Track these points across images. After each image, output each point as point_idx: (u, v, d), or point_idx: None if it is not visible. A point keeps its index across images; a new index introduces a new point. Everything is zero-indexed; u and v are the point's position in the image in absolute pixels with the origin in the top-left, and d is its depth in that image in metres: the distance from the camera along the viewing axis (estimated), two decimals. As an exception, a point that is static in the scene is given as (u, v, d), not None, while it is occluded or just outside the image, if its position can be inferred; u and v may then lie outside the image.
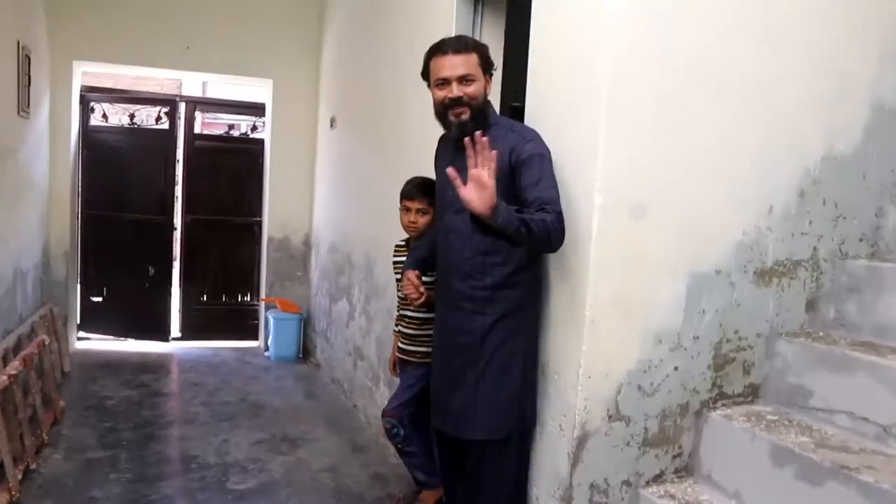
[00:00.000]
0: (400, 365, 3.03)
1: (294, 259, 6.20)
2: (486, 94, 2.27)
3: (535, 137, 2.22)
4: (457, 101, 2.22)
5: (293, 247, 6.18)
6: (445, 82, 2.23)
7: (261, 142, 6.37)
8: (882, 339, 2.31)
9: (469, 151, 1.99)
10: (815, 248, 2.47)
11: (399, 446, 2.91)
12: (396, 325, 3.07)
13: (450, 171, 2.01)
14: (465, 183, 1.99)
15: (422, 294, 2.49)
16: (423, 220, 2.83)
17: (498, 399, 2.26)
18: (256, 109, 6.42)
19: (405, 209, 2.87)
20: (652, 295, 2.22)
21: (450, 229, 2.32)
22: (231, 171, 6.39)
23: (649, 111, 2.13)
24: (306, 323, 5.97)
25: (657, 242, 2.20)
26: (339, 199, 5.23)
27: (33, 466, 3.30)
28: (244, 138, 6.64)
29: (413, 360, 2.91)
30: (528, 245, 2.09)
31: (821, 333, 2.44)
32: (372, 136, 4.42)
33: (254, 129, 6.59)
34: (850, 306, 2.44)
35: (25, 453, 3.27)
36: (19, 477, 3.06)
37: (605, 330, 2.16)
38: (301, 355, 5.87)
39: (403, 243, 3.04)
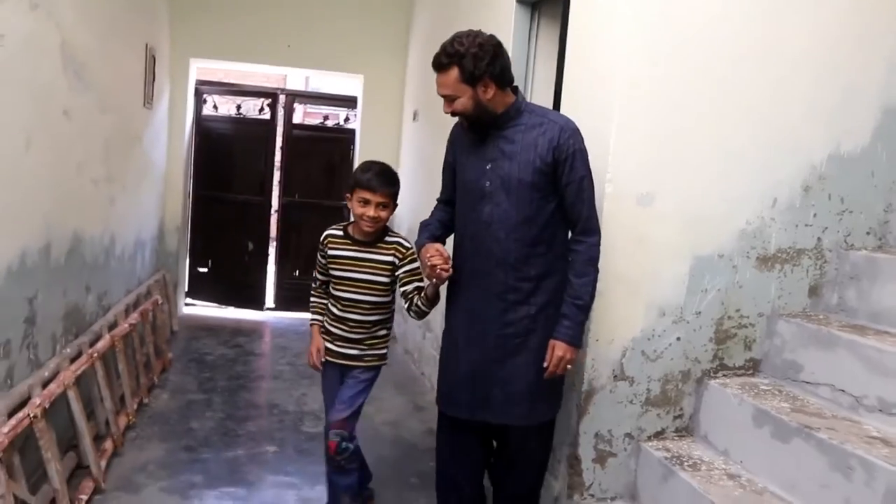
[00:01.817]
0: (333, 369, 2.70)
1: (378, 240, 6.71)
2: (480, 104, 2.20)
3: (573, 130, 2.23)
4: (451, 114, 2.28)
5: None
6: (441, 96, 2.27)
7: (352, 131, 6.90)
8: (874, 322, 2.54)
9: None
10: (819, 239, 2.71)
11: (342, 463, 2.62)
12: (328, 326, 2.69)
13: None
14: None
15: (450, 269, 2.26)
16: (384, 215, 2.52)
17: (548, 384, 2.33)
18: (349, 102, 6.96)
19: (363, 202, 2.48)
20: (657, 273, 2.55)
21: (492, 220, 2.27)
22: (325, 157, 6.97)
23: (658, 118, 2.47)
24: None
25: (663, 227, 2.52)
26: (417, 186, 5.68)
27: (146, 401, 3.94)
28: (337, 128, 7.20)
29: (358, 364, 2.65)
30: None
31: (820, 316, 2.69)
32: (445, 130, 4.83)
33: (346, 119, 7.14)
34: (851, 293, 2.67)
35: (140, 390, 3.91)
36: (135, 407, 3.69)
37: (612, 301, 2.50)
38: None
39: (341, 232, 2.64)
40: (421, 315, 2.54)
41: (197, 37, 5.97)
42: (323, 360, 2.70)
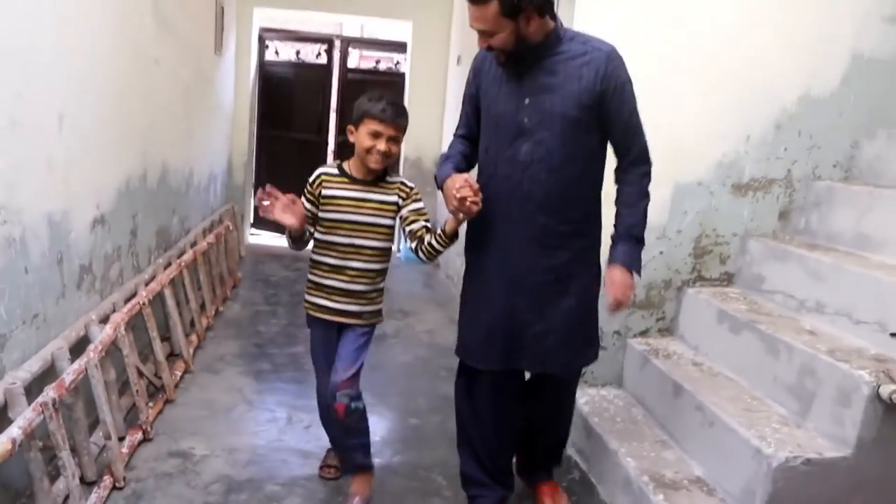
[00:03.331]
0: (326, 327, 2.43)
1: (425, 176, 7.22)
2: (522, 37, 2.02)
3: (619, 58, 2.11)
4: (487, 49, 2.10)
5: (424, 166, 7.22)
6: (475, 30, 2.05)
7: (402, 75, 7.39)
8: (829, 242, 2.97)
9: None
10: (789, 171, 3.13)
11: (353, 424, 2.42)
12: (320, 280, 2.40)
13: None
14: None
15: (480, 202, 2.06)
16: (395, 151, 2.31)
17: (589, 328, 2.35)
18: (400, 47, 7.44)
19: (373, 134, 2.25)
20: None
21: (531, 159, 2.12)
22: (377, 99, 7.49)
23: (646, 60, 2.87)
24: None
25: (649, 158, 2.98)
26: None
27: (221, 309, 4.64)
28: (388, 71, 7.69)
29: (357, 321, 2.40)
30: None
31: (787, 237, 3.13)
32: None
33: (397, 63, 7.62)
34: (814, 217, 3.10)
35: (216, 300, 4.61)
36: (213, 313, 4.40)
37: (604, 220, 2.97)
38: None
39: (336, 171, 2.39)
40: (432, 256, 2.33)
41: (260, -14, 6.52)
42: (315, 317, 2.43)
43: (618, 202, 2.25)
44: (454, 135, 2.44)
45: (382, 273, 2.44)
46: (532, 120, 2.11)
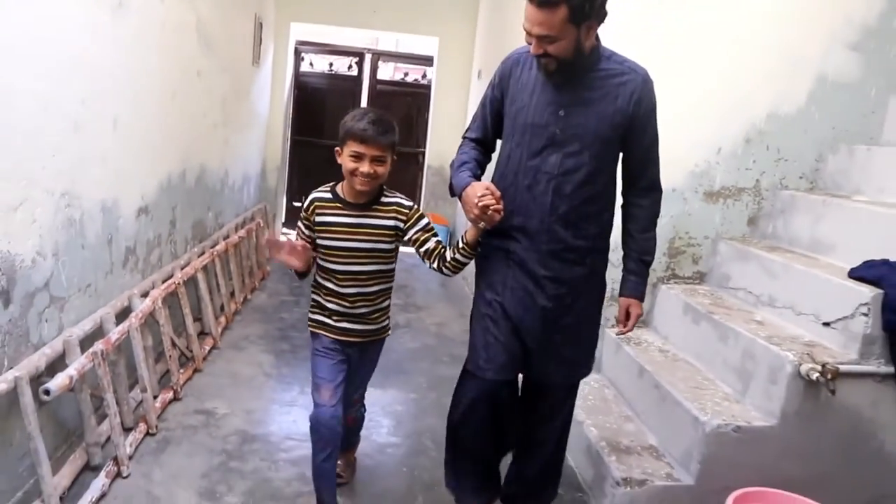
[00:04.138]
0: (336, 347, 2.36)
1: (447, 183, 7.64)
2: (580, 47, 1.99)
3: (651, 81, 2.14)
4: (540, 56, 2.03)
5: (446, 173, 7.59)
6: (528, 34, 1.99)
7: (428, 87, 7.82)
8: (790, 245, 3.28)
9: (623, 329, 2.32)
10: (757, 181, 3.45)
11: (356, 427, 2.66)
12: (324, 301, 2.35)
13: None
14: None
15: (502, 210, 2.02)
16: (381, 172, 2.16)
17: (592, 342, 2.40)
18: (427, 60, 7.87)
19: (355, 156, 2.13)
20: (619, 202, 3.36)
21: (558, 171, 2.11)
22: (403, 109, 7.93)
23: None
24: (452, 234, 7.46)
25: (626, 167, 3.33)
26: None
27: (248, 297, 5.09)
28: (415, 83, 8.13)
29: (367, 339, 2.38)
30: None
31: (755, 240, 3.45)
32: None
33: (424, 76, 8.05)
34: (780, 223, 3.41)
35: (245, 289, 5.06)
36: (241, 300, 4.84)
37: (585, 221, 3.34)
38: (448, 245, 7.39)
39: (329, 195, 2.27)
40: (458, 269, 2.25)
41: (297, 4, 7.00)
42: (318, 333, 2.38)
43: (630, 226, 2.31)
44: (465, 137, 2.38)
45: (385, 293, 2.38)
46: (565, 132, 2.10)
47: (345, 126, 2.17)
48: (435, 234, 2.30)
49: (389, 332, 2.48)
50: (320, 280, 2.34)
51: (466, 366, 2.34)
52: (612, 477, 2.59)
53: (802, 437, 2.48)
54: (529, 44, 2.03)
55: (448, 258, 2.22)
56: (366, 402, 2.71)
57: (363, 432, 2.82)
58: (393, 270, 2.38)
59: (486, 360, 2.24)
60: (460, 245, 2.18)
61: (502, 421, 2.35)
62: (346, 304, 2.30)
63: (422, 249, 2.28)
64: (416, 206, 2.31)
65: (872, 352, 2.47)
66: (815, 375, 2.35)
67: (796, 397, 2.44)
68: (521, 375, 2.40)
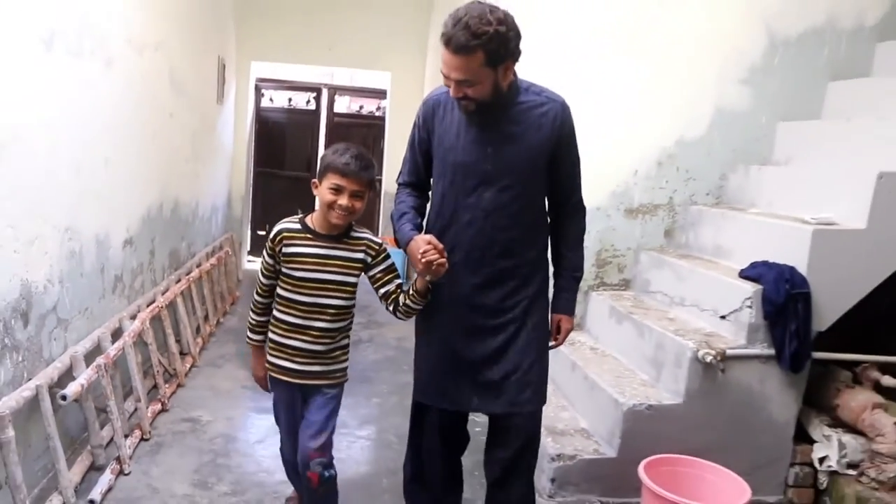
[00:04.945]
0: (290, 390, 2.38)
1: (403, 209, 8.11)
2: (498, 87, 2.05)
3: (569, 108, 2.22)
4: (460, 98, 2.08)
5: (402, 199, 8.07)
6: (447, 78, 2.04)
7: (383, 118, 8.30)
8: (699, 253, 3.79)
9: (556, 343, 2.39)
10: (670, 198, 3.97)
11: (325, 493, 2.39)
12: (280, 338, 2.33)
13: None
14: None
15: (446, 262, 2.07)
16: (359, 207, 2.22)
17: (544, 366, 2.36)
18: (381, 94, 8.35)
19: (335, 189, 2.17)
20: (553, 220, 3.85)
21: (494, 207, 2.17)
22: (360, 140, 8.36)
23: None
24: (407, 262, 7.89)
25: (557, 190, 3.82)
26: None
27: (221, 320, 5.46)
28: (370, 115, 8.60)
29: (322, 381, 2.36)
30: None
31: (671, 250, 3.96)
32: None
33: (378, 108, 8.52)
34: (691, 234, 3.93)
35: (217, 312, 5.42)
36: (215, 323, 5.21)
37: (523, 238, 3.81)
38: (406, 278, 7.84)
39: (298, 226, 2.30)
40: (410, 314, 2.29)
41: (257, 43, 7.42)
42: (277, 378, 2.36)
43: (560, 244, 2.39)
44: (399, 184, 2.43)
45: (345, 331, 2.38)
46: (496, 168, 2.15)
47: (325, 160, 2.23)
48: (397, 277, 2.35)
49: (347, 378, 2.46)
50: (282, 315, 2.32)
51: (414, 395, 2.43)
52: (548, 454, 3.04)
53: (704, 411, 2.96)
54: (448, 87, 2.09)
55: (402, 303, 2.28)
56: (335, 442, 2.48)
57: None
58: (353, 308, 2.39)
59: (434, 386, 2.33)
60: (411, 292, 2.24)
61: (449, 458, 2.49)
62: (308, 338, 2.30)
63: (381, 290, 2.33)
64: (384, 245, 2.37)
65: (757, 338, 2.97)
66: (708, 358, 2.84)
67: (696, 378, 2.93)
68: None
